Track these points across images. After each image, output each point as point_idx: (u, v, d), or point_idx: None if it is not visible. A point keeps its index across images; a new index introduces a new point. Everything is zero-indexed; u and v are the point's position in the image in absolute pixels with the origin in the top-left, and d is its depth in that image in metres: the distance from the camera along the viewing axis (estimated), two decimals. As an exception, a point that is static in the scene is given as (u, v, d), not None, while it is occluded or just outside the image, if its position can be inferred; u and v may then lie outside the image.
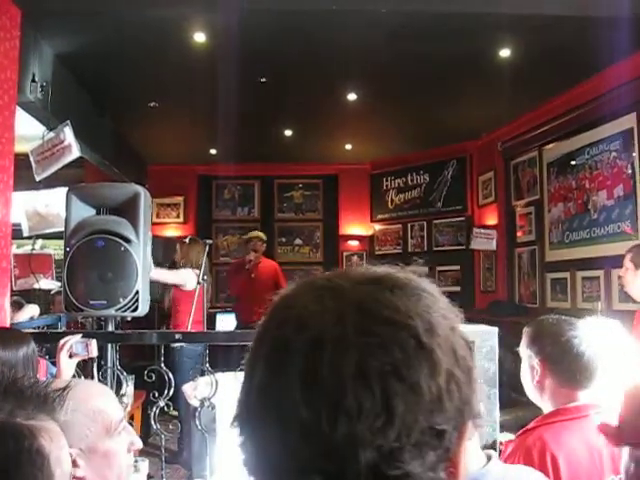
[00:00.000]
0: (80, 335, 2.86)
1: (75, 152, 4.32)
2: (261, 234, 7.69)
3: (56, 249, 7.44)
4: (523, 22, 4.71)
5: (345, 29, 4.86)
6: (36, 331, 3.82)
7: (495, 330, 3.07)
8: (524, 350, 2.24)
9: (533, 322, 2.30)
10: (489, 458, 1.80)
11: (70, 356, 2.79)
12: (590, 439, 1.94)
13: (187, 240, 6.03)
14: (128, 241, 3.43)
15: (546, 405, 2.16)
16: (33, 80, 4.48)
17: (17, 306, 4.73)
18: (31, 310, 4.67)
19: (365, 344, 0.64)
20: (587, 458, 1.95)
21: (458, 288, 8.76)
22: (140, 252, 3.46)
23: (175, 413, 4.85)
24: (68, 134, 4.30)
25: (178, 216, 9.94)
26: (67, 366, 2.76)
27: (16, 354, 2.30)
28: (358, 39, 5.02)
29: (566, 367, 2.11)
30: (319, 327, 0.66)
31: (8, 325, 3.80)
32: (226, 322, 7.85)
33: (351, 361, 0.63)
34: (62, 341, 2.80)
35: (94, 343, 2.87)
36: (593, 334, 2.34)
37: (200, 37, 4.93)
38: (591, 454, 1.95)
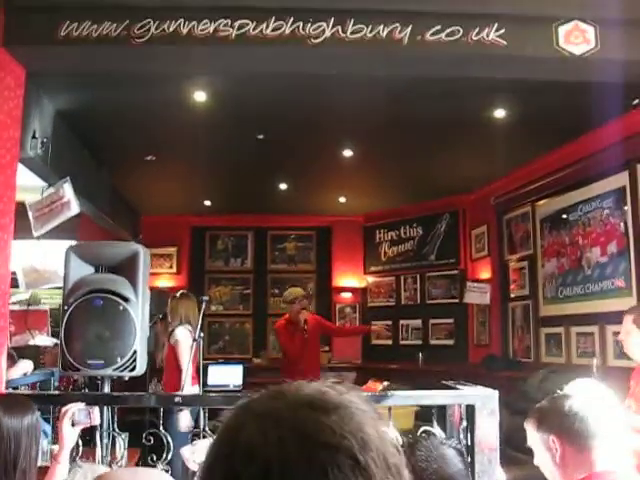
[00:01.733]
0: (83, 403, 2.82)
1: (75, 209, 4.33)
2: (300, 290, 7.48)
3: (47, 298, 7.39)
4: (517, 85, 4.79)
5: (343, 90, 4.93)
6: (32, 392, 3.78)
7: (495, 394, 3.07)
8: (535, 438, 2.29)
9: (531, 412, 2.36)
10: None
11: (72, 424, 2.75)
12: None
13: (177, 295, 6.01)
14: (127, 300, 3.42)
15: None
16: (34, 136, 4.51)
17: (10, 360, 4.68)
18: (25, 366, 4.62)
19: (307, 469, 0.70)
20: None
21: (452, 341, 8.75)
22: (139, 311, 3.45)
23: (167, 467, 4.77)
24: (67, 190, 4.31)
25: (171, 267, 9.92)
26: (69, 435, 2.72)
27: (21, 422, 2.27)
28: (355, 99, 5.10)
29: (577, 433, 2.17)
30: (265, 457, 0.71)
31: (3, 383, 3.75)
32: (219, 373, 7.74)
33: None
34: (64, 409, 2.76)
35: (97, 411, 2.83)
36: (587, 396, 2.42)
37: (200, 96, 5.00)
38: None
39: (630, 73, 4.25)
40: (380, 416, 0.80)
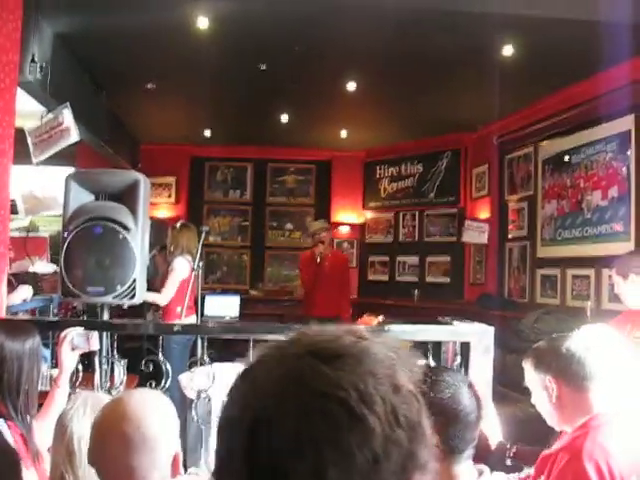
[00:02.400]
0: (81, 328, 2.85)
1: (74, 136, 4.28)
2: (323, 223, 7.50)
3: (46, 226, 7.40)
4: (525, 21, 4.71)
5: (348, 20, 4.84)
6: (34, 318, 3.81)
7: (491, 330, 3.11)
8: (533, 377, 2.33)
9: (529, 352, 2.39)
10: (480, 473, 1.85)
11: (71, 349, 2.79)
12: (634, 438, 2.13)
13: (178, 226, 6.01)
14: (127, 229, 3.42)
15: (569, 421, 2.23)
16: (33, 60, 4.43)
17: (9, 286, 4.70)
18: (24, 292, 4.64)
19: (301, 418, 0.70)
20: (637, 456, 2.10)
21: (447, 279, 8.81)
22: (138, 240, 3.45)
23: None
24: (67, 117, 4.25)
25: (170, 196, 9.89)
26: (69, 359, 2.76)
27: (23, 346, 2.32)
28: (361, 30, 5.01)
29: (574, 374, 2.22)
30: (261, 401, 0.73)
31: (4, 308, 3.78)
32: (216, 304, 7.78)
33: (287, 434, 0.70)
34: (63, 334, 2.80)
35: (95, 336, 2.87)
36: (589, 338, 2.44)
37: (203, 22, 4.89)
38: (633, 455, 2.10)
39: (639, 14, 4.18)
40: (404, 364, 0.78)
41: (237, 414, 0.75)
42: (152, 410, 1.63)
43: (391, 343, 0.80)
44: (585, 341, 2.29)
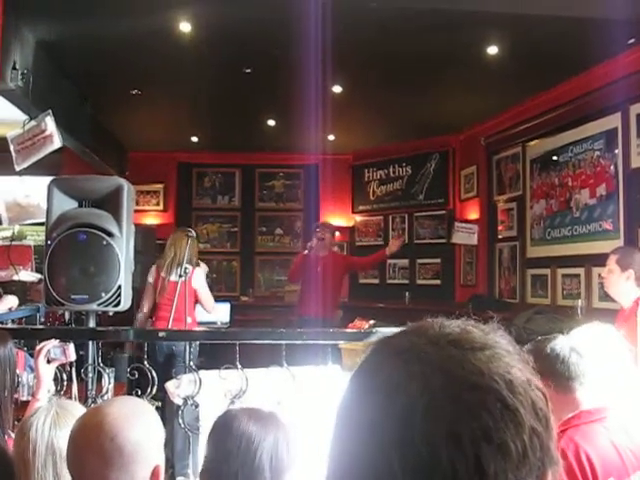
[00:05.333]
0: (57, 340, 2.82)
1: (57, 142, 4.24)
2: (328, 222, 7.53)
3: (33, 235, 7.34)
4: (511, 20, 4.70)
5: (333, 22, 4.81)
6: (16, 327, 3.76)
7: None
8: None
9: None
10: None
11: (48, 361, 2.76)
12: (613, 438, 2.10)
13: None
14: (110, 235, 3.39)
15: (556, 422, 2.20)
16: (14, 67, 4.39)
17: (-5, 296, 4.66)
18: (10, 301, 4.60)
19: (454, 411, 0.67)
20: (615, 456, 2.08)
21: (438, 281, 8.79)
22: (123, 246, 3.42)
23: (158, 403, 4.81)
24: (49, 124, 4.21)
25: (158, 204, 9.85)
26: (46, 372, 2.73)
27: (4, 351, 2.29)
28: (346, 32, 4.98)
29: (559, 374, 2.21)
30: (409, 394, 0.68)
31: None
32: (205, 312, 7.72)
33: (442, 429, 0.66)
34: (38, 347, 2.77)
35: (72, 347, 2.84)
36: (574, 339, 2.44)
37: (186, 27, 4.86)
38: (617, 452, 2.08)
39: (625, 11, 4.17)
40: (526, 360, 0.77)
41: (379, 403, 0.69)
42: (131, 421, 1.57)
43: (508, 337, 0.79)
44: (570, 341, 2.29)
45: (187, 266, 5.11)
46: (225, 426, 1.93)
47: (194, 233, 5.41)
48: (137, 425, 1.57)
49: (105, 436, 1.51)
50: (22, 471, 1.82)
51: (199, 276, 5.46)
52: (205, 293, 5.50)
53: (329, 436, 0.75)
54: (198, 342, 3.85)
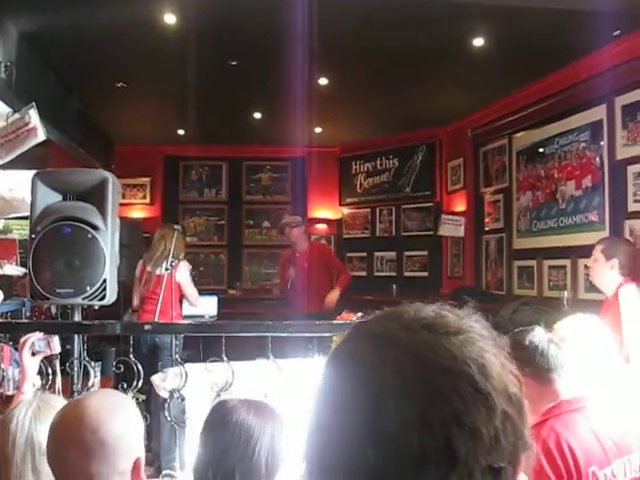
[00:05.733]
0: (42, 333, 2.80)
1: (41, 135, 4.20)
2: (290, 218, 7.50)
3: (19, 229, 7.29)
4: (496, 12, 4.70)
5: (318, 14, 4.79)
6: (1, 321, 3.74)
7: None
8: None
9: None
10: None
11: (33, 354, 2.74)
12: (594, 427, 2.13)
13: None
14: (95, 228, 3.37)
15: (535, 412, 2.22)
16: (-3, 60, 4.35)
17: (-20, 290, 4.62)
18: (-6, 296, 4.56)
19: (426, 395, 0.67)
20: (596, 445, 2.10)
21: (425, 273, 8.81)
22: (108, 239, 3.40)
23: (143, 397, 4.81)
24: (33, 117, 4.17)
25: (145, 197, 9.81)
26: (30, 364, 2.72)
27: None
28: (331, 24, 4.96)
29: (538, 366, 2.23)
30: (380, 378, 0.69)
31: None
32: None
33: (414, 412, 0.66)
34: (22, 339, 2.76)
35: (56, 339, 2.83)
36: (562, 329, 2.46)
37: (170, 18, 4.83)
38: (598, 441, 2.10)
39: (610, 2, 4.18)
40: (501, 344, 0.78)
41: (352, 388, 0.70)
42: (112, 413, 1.56)
43: (483, 323, 0.79)
44: (548, 333, 2.32)
45: (172, 260, 5.12)
46: (222, 419, 1.90)
47: (181, 227, 5.43)
48: (118, 418, 1.56)
49: (86, 429, 1.50)
50: (2, 465, 1.80)
51: (183, 270, 5.52)
52: (189, 286, 5.58)
53: (306, 420, 0.75)
54: (182, 335, 3.84)
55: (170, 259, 5.12)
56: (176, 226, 5.36)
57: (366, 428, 0.67)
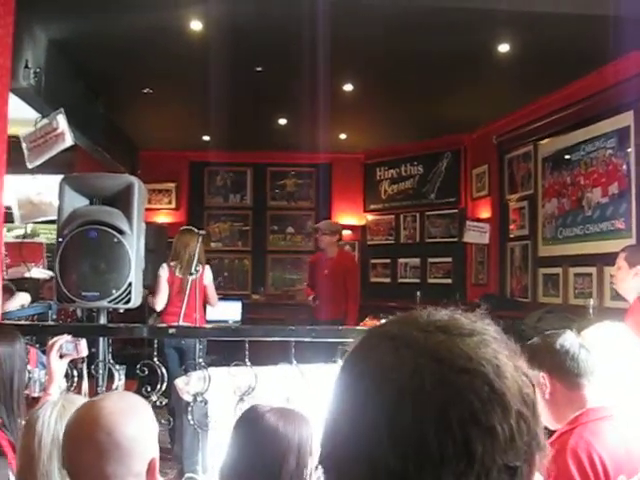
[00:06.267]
0: (70, 335, 2.83)
1: (68, 140, 4.27)
2: (320, 224, 7.49)
3: (46, 233, 7.38)
4: (522, 18, 4.68)
5: (344, 20, 4.81)
6: (28, 323, 3.79)
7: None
8: None
9: (523, 348, 2.36)
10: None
11: (60, 356, 2.77)
12: (622, 435, 2.11)
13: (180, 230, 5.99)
14: (121, 232, 3.41)
15: (562, 419, 2.21)
16: (26, 66, 4.42)
17: (8, 293, 4.69)
18: (22, 298, 4.64)
19: (443, 394, 0.68)
20: (624, 453, 2.08)
21: (449, 280, 8.77)
22: (133, 243, 3.43)
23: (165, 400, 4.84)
24: (61, 122, 4.24)
25: (170, 202, 9.88)
26: (58, 367, 2.75)
27: (12, 347, 2.34)
28: (357, 30, 4.98)
29: (567, 371, 2.22)
30: (398, 379, 0.69)
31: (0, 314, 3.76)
32: (218, 309, 7.71)
33: (432, 412, 0.67)
34: (51, 342, 2.79)
35: (84, 342, 2.86)
36: (585, 335, 2.44)
37: (197, 25, 4.87)
38: (626, 449, 2.09)
39: (637, 7, 4.14)
40: (512, 347, 0.78)
41: (370, 389, 0.71)
42: (128, 416, 1.58)
43: (495, 326, 0.80)
44: (579, 337, 2.30)
45: (197, 264, 5.18)
46: (253, 424, 1.91)
47: (204, 232, 5.51)
48: (133, 420, 1.58)
49: (101, 431, 1.51)
50: (28, 464, 1.83)
51: (208, 274, 5.74)
52: (213, 289, 5.84)
53: (323, 420, 0.76)
54: (206, 339, 3.87)
55: (195, 263, 5.17)
56: (201, 231, 5.40)
57: (385, 428, 0.68)
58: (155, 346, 3.07)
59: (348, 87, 6.49)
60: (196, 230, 5.52)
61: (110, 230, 3.38)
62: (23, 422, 2.36)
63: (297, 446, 1.85)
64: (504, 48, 5.31)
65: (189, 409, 3.03)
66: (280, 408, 2.00)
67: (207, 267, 5.72)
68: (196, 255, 5.16)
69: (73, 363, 2.93)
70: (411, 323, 0.76)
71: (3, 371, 2.28)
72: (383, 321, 0.84)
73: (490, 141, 7.88)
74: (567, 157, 6.41)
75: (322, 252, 7.18)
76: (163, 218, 9.67)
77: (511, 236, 7.62)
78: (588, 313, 5.50)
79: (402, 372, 0.70)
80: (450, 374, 0.69)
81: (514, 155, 7.55)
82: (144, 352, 5.58)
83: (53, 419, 1.86)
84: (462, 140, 8.67)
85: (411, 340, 0.72)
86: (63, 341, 2.80)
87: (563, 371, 2.19)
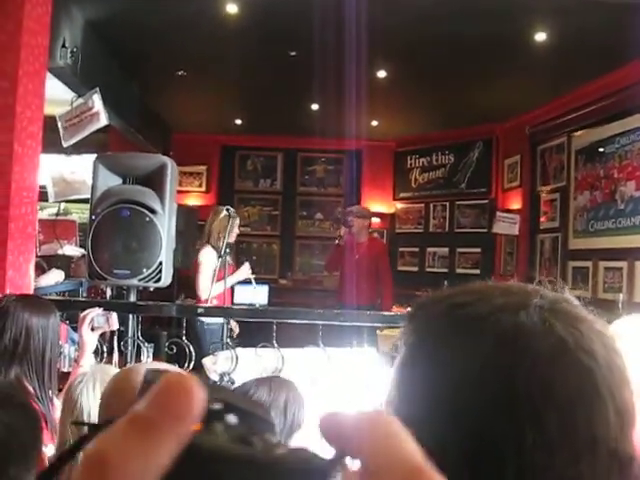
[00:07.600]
0: (101, 308, 2.88)
1: (103, 120, 4.31)
2: (357, 207, 7.55)
3: (78, 213, 7.48)
4: (559, 6, 4.63)
5: (379, 6, 4.79)
6: (59, 298, 3.85)
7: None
8: None
9: None
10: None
11: (92, 329, 2.83)
12: None
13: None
14: (153, 212, 3.44)
15: None
16: (63, 45, 4.47)
17: (40, 270, 4.77)
18: (56, 275, 4.71)
19: (545, 336, 0.69)
20: None
21: (477, 271, 8.72)
22: (165, 223, 3.47)
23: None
24: (97, 101, 4.28)
25: (201, 185, 9.94)
26: (89, 339, 2.80)
27: (47, 320, 2.38)
28: (391, 17, 4.96)
29: None
30: (528, 339, 0.69)
31: (32, 288, 3.83)
32: (245, 292, 7.75)
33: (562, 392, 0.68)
34: (83, 314, 2.84)
35: (115, 316, 2.90)
36: (619, 328, 2.41)
37: (232, 8, 4.89)
38: None
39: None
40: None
41: (466, 387, 0.69)
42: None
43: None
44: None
45: (227, 244, 5.16)
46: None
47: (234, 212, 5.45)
48: None
49: (138, 382, 1.53)
50: (76, 436, 1.87)
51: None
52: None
53: (388, 394, 0.76)
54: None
55: (226, 244, 5.16)
56: (231, 210, 5.29)
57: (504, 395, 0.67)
58: (184, 325, 3.11)
59: (381, 74, 6.47)
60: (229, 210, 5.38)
61: (142, 209, 3.42)
62: (55, 396, 2.42)
63: (283, 405, 1.89)
64: (541, 37, 5.25)
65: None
66: (261, 378, 2.05)
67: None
68: (226, 237, 5.17)
69: (103, 338, 2.98)
70: (495, 300, 0.76)
71: (36, 342, 2.33)
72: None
73: (523, 131, 7.81)
74: (601, 149, 6.33)
75: (351, 236, 7.15)
76: (193, 200, 9.73)
77: (541, 228, 7.56)
78: (617, 307, 5.45)
79: (535, 331, 0.70)
80: (576, 325, 0.71)
81: (547, 146, 7.47)
82: (172, 332, 5.65)
83: (97, 392, 1.90)
84: (494, 130, 8.60)
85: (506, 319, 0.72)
86: (95, 314, 2.85)
87: None
